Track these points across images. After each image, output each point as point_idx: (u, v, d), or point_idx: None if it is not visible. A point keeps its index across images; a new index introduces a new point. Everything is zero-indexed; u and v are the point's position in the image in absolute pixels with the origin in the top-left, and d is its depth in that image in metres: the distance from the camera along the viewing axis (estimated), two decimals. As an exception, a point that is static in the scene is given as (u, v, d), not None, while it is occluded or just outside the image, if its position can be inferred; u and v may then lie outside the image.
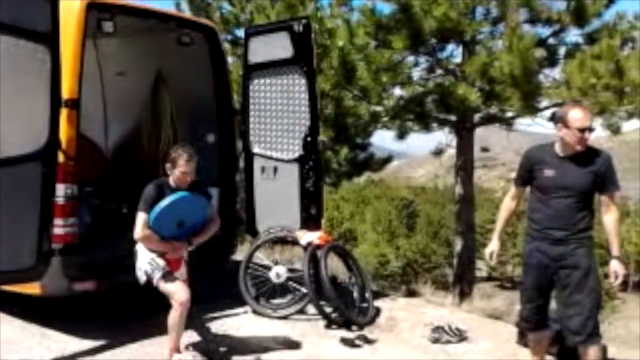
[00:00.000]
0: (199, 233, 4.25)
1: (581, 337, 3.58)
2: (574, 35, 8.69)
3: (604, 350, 4.36)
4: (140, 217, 4.00)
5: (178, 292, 4.04)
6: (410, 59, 9.30)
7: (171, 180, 4.12)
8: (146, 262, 4.10)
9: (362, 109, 8.98)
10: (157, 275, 4.06)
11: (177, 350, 4.17)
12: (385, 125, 9.51)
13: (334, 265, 5.86)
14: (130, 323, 4.82)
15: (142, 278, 4.13)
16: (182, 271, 4.31)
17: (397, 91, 9.22)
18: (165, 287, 4.06)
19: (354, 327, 4.98)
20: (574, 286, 3.59)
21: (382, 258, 15.85)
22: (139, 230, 4.01)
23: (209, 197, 4.36)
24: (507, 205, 3.96)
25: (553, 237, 3.65)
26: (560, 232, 3.63)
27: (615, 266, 3.67)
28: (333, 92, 8.77)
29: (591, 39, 8.22)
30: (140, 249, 4.17)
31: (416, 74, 9.50)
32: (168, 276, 4.06)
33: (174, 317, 4.05)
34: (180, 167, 4.03)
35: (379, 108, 9.08)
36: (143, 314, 4.51)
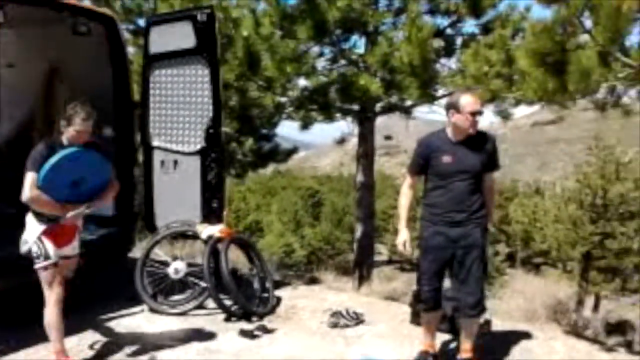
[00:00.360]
0: (97, 196, 3.94)
1: (475, 311, 3.81)
2: (470, 25, 9.08)
3: (488, 324, 4.65)
4: (29, 177, 3.67)
5: (55, 287, 3.79)
6: (315, 49, 9.36)
7: (64, 139, 3.77)
8: (33, 240, 3.81)
9: (267, 100, 8.94)
10: (40, 263, 3.78)
11: (64, 353, 3.91)
12: (290, 116, 9.53)
13: (237, 257, 5.81)
14: (19, 327, 4.52)
15: (24, 248, 3.82)
16: (74, 244, 4.01)
17: (302, 82, 9.28)
18: (45, 278, 3.79)
19: (254, 318, 4.96)
20: (470, 265, 3.77)
21: (287, 248, 16.01)
22: (27, 190, 3.65)
23: (108, 159, 4.04)
24: (407, 194, 4.01)
25: (453, 219, 3.77)
26: (460, 215, 3.77)
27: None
28: (237, 82, 8.66)
29: (486, 29, 8.60)
30: (30, 220, 3.85)
31: (320, 64, 9.58)
32: (51, 268, 3.79)
33: (49, 314, 3.81)
34: (75, 125, 3.73)
35: (283, 99, 9.07)
36: (32, 317, 4.24)
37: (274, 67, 8.29)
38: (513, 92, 5.97)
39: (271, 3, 8.61)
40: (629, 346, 4.82)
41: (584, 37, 4.97)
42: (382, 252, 27.13)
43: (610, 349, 4.57)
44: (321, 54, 9.57)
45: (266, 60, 8.35)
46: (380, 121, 10.14)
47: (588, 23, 4.89)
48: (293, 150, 11.54)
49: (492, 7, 8.61)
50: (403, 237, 3.95)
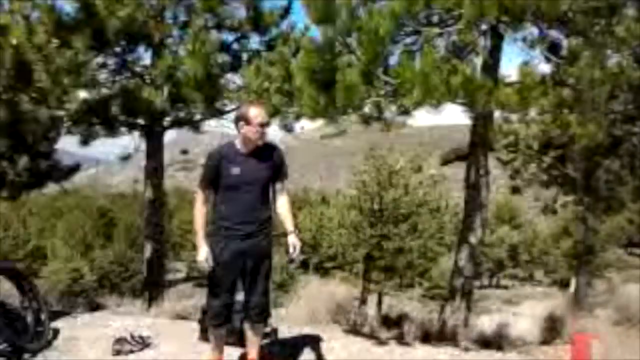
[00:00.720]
0: None
1: (261, 317, 3.96)
2: (255, 42, 9.33)
3: (275, 331, 4.85)
4: None
5: None
6: (99, 60, 8.90)
7: None
8: None
9: (42, 114, 8.27)
10: None
11: None
12: (70, 131, 8.93)
13: (7, 290, 5.23)
14: None
15: None
16: None
17: (82, 94, 8.75)
18: None
19: (26, 355, 4.55)
20: (259, 275, 3.88)
21: (75, 273, 14.92)
22: None
23: None
24: (201, 210, 3.95)
25: (243, 232, 3.83)
26: (250, 227, 3.84)
27: (292, 239, 3.96)
28: (6, 95, 7.91)
29: (270, 46, 8.91)
30: None
31: (103, 76, 9.14)
32: None
33: None
34: None
35: (60, 112, 8.48)
36: None
37: (49, 78, 7.75)
38: (292, 107, 6.26)
39: (45, 10, 8.04)
40: (401, 337, 5.29)
41: (352, 57, 5.41)
42: (180, 269, 26.58)
43: (383, 342, 4.99)
44: (104, 65, 9.14)
45: (40, 71, 7.76)
46: (176, 136, 10.02)
47: (355, 43, 5.34)
48: (75, 168, 10.66)
49: (275, 25, 8.97)
50: (204, 253, 3.87)
